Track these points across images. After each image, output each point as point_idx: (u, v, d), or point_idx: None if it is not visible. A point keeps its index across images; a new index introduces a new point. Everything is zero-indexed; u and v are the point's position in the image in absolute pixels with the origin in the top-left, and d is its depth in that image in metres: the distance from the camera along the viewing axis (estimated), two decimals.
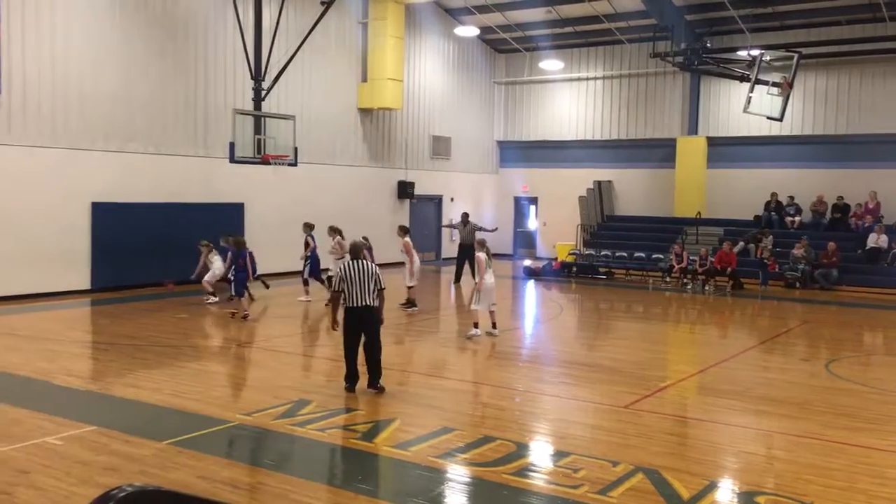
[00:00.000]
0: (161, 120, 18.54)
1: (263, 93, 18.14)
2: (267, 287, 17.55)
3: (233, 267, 14.85)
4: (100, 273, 17.27)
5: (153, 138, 18.39)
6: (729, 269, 20.83)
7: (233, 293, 14.74)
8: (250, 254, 15.37)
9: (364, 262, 9.42)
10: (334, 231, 16.48)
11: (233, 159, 17.07)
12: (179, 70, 18.87)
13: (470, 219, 21.61)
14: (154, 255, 17.63)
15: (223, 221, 17.31)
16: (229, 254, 15.23)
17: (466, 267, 20.05)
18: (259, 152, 17.26)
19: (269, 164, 17.76)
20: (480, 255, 13.24)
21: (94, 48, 17.17)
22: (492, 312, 13.23)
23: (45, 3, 16.28)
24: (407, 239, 16.42)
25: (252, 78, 18.17)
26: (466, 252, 20.94)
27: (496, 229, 23.38)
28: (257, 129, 17.34)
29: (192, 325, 14.28)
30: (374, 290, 9.28)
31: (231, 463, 7.11)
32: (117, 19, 17.59)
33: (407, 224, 20.92)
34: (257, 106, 18.04)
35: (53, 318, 14.60)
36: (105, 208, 17.28)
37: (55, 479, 6.48)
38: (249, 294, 16.51)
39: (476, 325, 13.03)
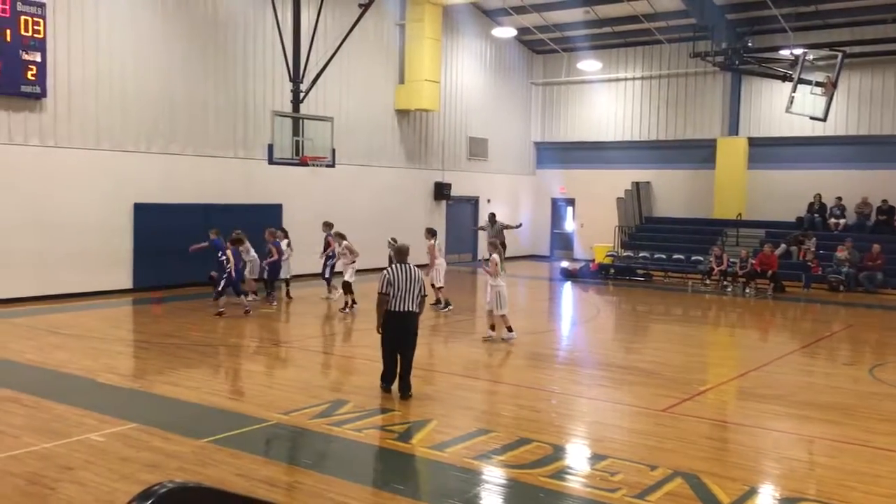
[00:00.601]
0: (201, 122, 18.80)
1: (302, 95, 18.31)
2: (289, 298, 17.15)
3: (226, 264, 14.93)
4: (142, 273, 17.56)
5: (193, 140, 18.66)
6: (770, 272, 20.52)
7: (218, 290, 14.95)
8: (277, 246, 15.90)
9: (410, 266, 9.38)
10: (340, 237, 16.21)
11: (272, 161, 17.24)
12: (219, 72, 19.12)
13: (497, 218, 21.67)
14: (194, 256, 17.83)
15: (262, 222, 17.43)
16: (229, 251, 15.03)
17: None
18: (297, 154, 17.41)
19: (307, 165, 17.91)
20: (495, 257, 13.01)
21: (137, 51, 17.48)
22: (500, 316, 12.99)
23: (90, 8, 16.60)
24: (432, 241, 16.48)
25: (291, 80, 18.35)
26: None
27: (520, 225, 23.32)
28: (296, 130, 17.49)
29: (231, 325, 14.44)
30: (417, 296, 9.24)
31: (268, 461, 7.18)
32: (159, 23, 17.89)
33: (436, 226, 20.89)
34: (296, 108, 18.21)
35: (97, 316, 14.88)
36: (147, 209, 17.57)
37: (97, 475, 6.60)
38: (273, 293, 16.50)
39: (510, 329, 12.93)
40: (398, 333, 9.23)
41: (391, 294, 9.10)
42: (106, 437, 7.57)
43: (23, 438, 7.49)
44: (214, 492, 2.91)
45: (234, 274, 14.87)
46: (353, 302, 15.80)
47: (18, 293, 15.64)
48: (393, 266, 9.36)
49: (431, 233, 16.80)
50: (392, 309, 9.14)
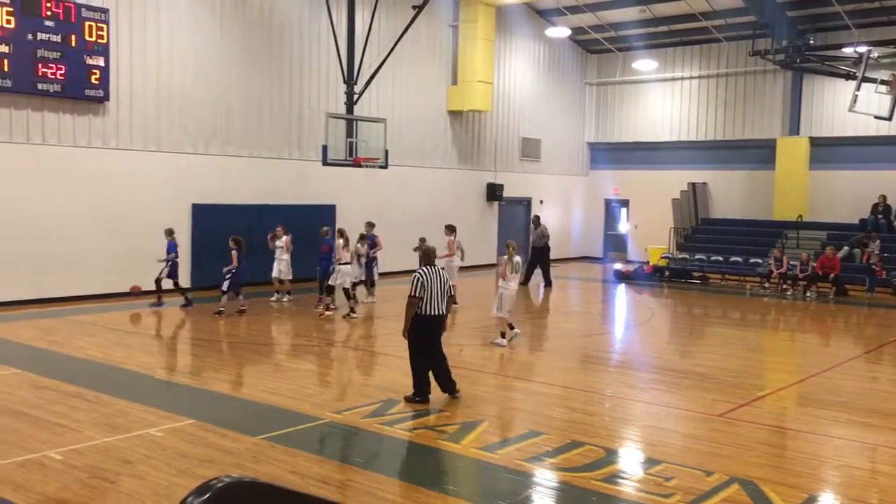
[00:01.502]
0: (257, 123, 19.11)
1: (356, 96, 18.46)
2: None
3: (236, 265, 15.10)
4: (199, 272, 17.90)
5: (249, 141, 18.98)
6: (832, 275, 19.99)
7: (223, 290, 15.12)
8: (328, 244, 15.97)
9: (438, 268, 9.31)
10: (340, 234, 15.59)
11: (325, 162, 17.43)
12: (275, 75, 19.41)
13: (542, 221, 21.75)
14: (249, 255, 18.10)
15: (316, 222, 17.63)
16: (233, 252, 15.20)
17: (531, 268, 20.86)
18: (351, 155, 17.56)
19: (360, 166, 18.06)
20: (505, 259, 12.75)
21: (196, 55, 17.84)
22: (505, 318, 12.78)
23: (151, 13, 16.99)
24: (452, 238, 16.55)
25: (344, 82, 18.52)
26: (536, 254, 21.10)
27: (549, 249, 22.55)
28: (349, 132, 17.66)
29: (285, 324, 14.63)
30: (444, 298, 9.18)
31: (322, 459, 7.25)
32: (217, 27, 18.24)
33: (489, 227, 20.96)
34: (349, 109, 18.37)
35: (155, 314, 15.23)
36: (204, 209, 17.91)
37: (156, 469, 6.75)
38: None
39: (503, 335, 12.62)
40: (432, 337, 9.10)
41: (424, 298, 8.96)
42: (164, 432, 7.74)
43: (85, 432, 7.71)
44: (268, 487, 2.95)
45: (234, 275, 15.10)
46: (327, 308, 15.28)
47: (81, 291, 16.10)
48: (423, 269, 9.22)
49: (451, 229, 16.99)
50: (424, 313, 8.97)
